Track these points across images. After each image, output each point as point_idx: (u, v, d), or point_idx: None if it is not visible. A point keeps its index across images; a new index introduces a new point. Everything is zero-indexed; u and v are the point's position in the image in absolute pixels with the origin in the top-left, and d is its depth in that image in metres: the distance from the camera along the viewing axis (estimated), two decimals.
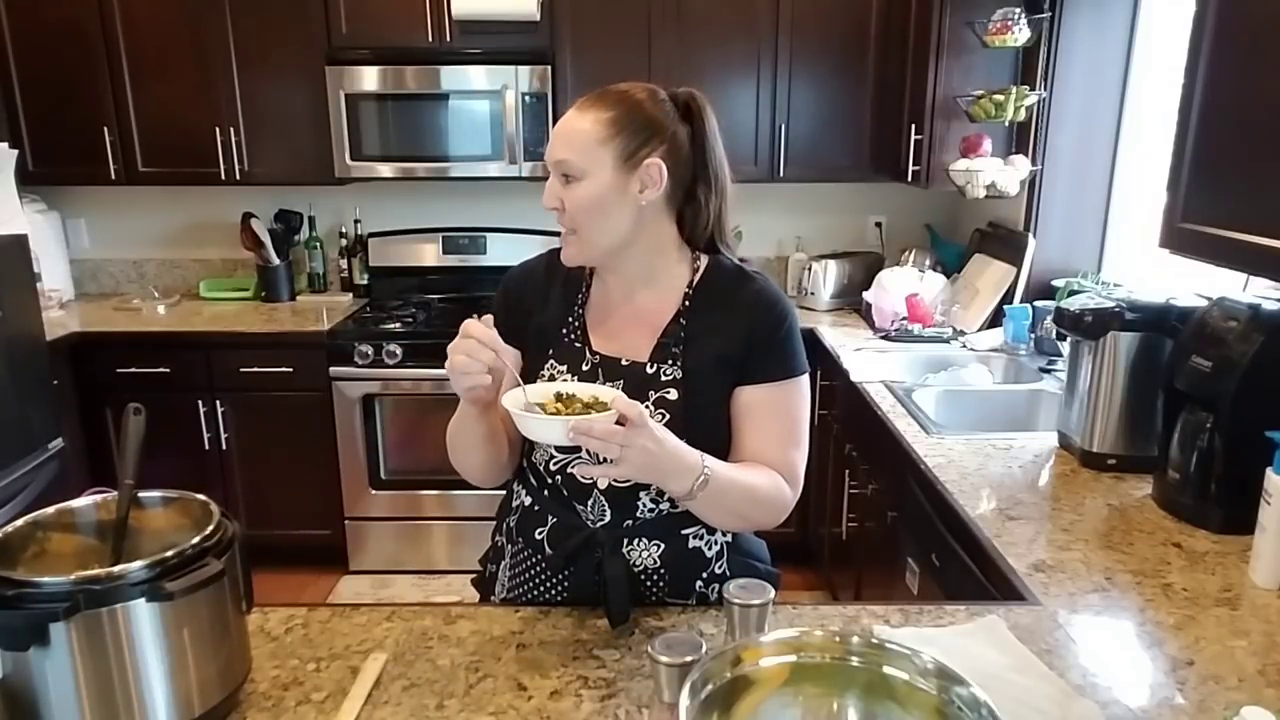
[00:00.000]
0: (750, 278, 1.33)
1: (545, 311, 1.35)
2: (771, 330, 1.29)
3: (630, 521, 1.30)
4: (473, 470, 1.34)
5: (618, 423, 1.06)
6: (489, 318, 1.17)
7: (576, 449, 1.25)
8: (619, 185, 1.24)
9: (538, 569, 1.36)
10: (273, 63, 3.37)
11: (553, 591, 1.36)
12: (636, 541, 1.31)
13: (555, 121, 3.42)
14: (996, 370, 2.80)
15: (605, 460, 1.08)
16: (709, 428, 1.27)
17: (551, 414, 1.12)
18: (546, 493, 1.35)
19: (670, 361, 1.28)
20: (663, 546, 1.32)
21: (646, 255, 1.31)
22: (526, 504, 1.38)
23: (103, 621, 0.94)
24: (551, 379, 1.30)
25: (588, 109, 1.24)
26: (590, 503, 1.31)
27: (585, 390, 1.17)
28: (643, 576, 1.32)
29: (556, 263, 1.37)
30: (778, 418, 1.29)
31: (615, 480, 1.28)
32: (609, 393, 1.15)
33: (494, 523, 1.50)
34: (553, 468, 1.32)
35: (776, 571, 1.42)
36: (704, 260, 1.35)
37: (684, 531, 1.32)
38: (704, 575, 1.35)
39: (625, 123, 1.23)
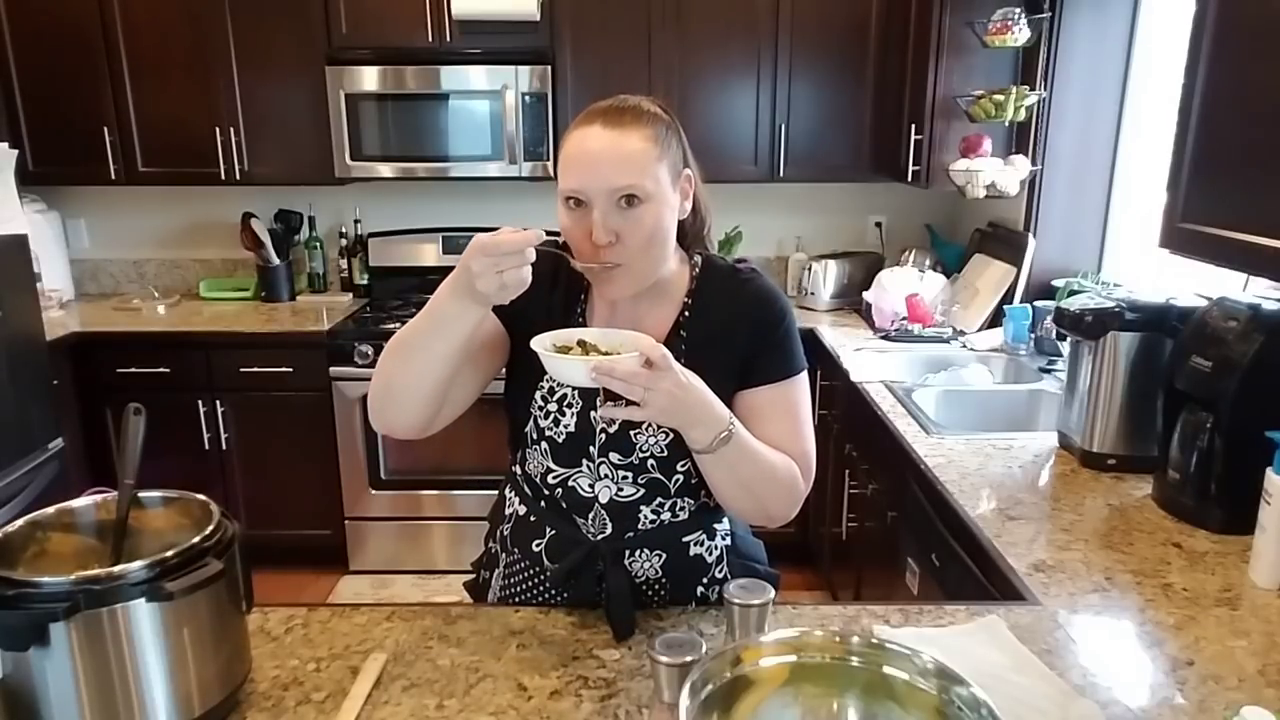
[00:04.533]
0: (746, 278, 1.31)
1: (546, 320, 1.29)
2: (771, 330, 1.28)
3: (631, 533, 1.30)
4: (408, 398, 1.19)
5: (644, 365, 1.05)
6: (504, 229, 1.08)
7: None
8: (673, 203, 1.22)
9: (535, 580, 1.35)
10: (273, 63, 3.36)
11: (552, 604, 1.34)
12: (638, 553, 1.30)
13: (556, 123, 3.39)
14: (996, 370, 2.80)
15: (629, 403, 1.06)
16: None
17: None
18: (543, 504, 1.34)
19: None
20: (664, 556, 1.31)
21: (663, 270, 1.28)
22: (520, 513, 1.36)
23: (103, 621, 0.94)
24: (551, 392, 1.28)
25: (627, 128, 1.17)
26: (591, 515, 1.29)
27: (611, 337, 1.15)
28: (644, 587, 1.31)
29: (559, 269, 1.34)
30: (784, 416, 1.28)
31: (620, 497, 1.27)
32: (632, 340, 1.12)
33: (488, 527, 1.49)
34: (551, 480, 1.30)
35: (776, 573, 1.41)
36: (698, 261, 1.33)
37: (685, 539, 1.32)
38: (704, 580, 1.35)
39: (664, 136, 1.20)
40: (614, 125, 1.17)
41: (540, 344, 1.11)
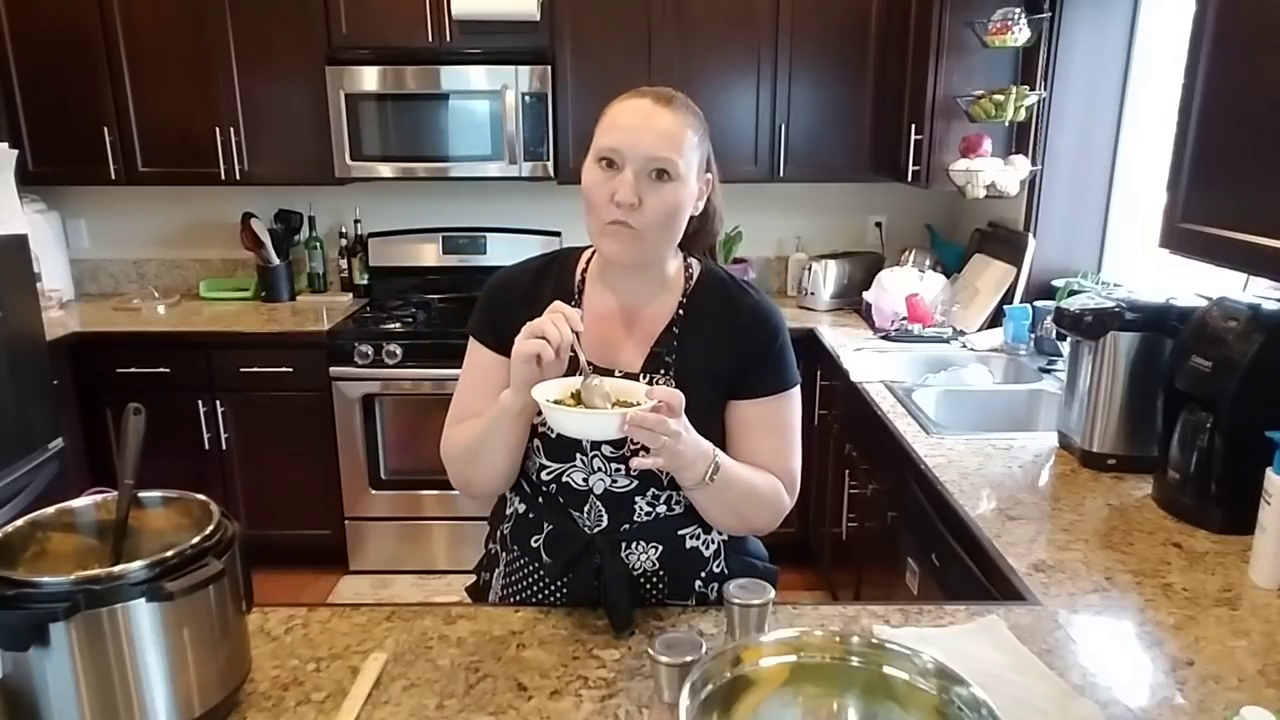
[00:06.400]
0: (744, 290, 1.33)
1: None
2: (766, 346, 1.29)
3: (627, 525, 1.30)
4: (489, 478, 1.31)
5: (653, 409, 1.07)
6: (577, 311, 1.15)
7: (570, 444, 1.26)
8: (693, 193, 1.25)
9: (534, 576, 1.36)
10: (273, 63, 3.36)
11: (552, 599, 1.35)
12: (634, 545, 1.31)
13: (556, 123, 3.39)
14: (996, 370, 2.80)
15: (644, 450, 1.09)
16: (702, 436, 1.26)
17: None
18: (541, 500, 1.34)
19: (663, 371, 1.28)
20: (661, 548, 1.31)
21: (665, 263, 1.31)
22: (520, 511, 1.37)
23: (103, 621, 0.94)
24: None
25: (675, 110, 1.21)
26: (587, 508, 1.30)
27: (602, 387, 1.16)
28: (642, 579, 1.32)
29: (544, 272, 1.35)
30: (774, 431, 1.30)
31: (615, 488, 1.28)
32: (620, 386, 1.16)
33: (488, 529, 1.49)
34: (545, 476, 1.31)
35: (774, 568, 1.42)
36: (696, 266, 1.35)
37: (680, 532, 1.32)
38: (702, 574, 1.35)
39: (703, 131, 1.25)
40: (663, 103, 1.22)
41: (541, 396, 1.11)
